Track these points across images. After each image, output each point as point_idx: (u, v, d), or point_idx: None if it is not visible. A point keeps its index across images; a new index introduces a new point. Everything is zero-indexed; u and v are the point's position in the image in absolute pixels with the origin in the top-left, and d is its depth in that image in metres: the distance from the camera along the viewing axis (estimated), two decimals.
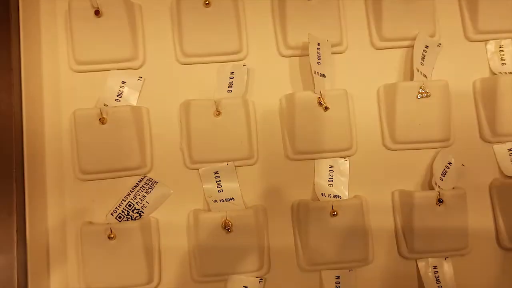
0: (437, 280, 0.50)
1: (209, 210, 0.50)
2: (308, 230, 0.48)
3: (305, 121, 0.50)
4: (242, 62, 0.52)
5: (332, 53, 0.52)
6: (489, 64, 0.54)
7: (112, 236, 0.46)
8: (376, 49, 0.54)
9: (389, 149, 0.52)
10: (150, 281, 0.48)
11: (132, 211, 0.48)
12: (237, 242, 0.48)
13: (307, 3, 0.52)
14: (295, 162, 0.52)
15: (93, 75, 0.51)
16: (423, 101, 0.51)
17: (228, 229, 0.47)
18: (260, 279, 0.48)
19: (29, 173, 0.46)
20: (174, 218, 0.50)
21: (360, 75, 0.53)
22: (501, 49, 0.54)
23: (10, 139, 0.45)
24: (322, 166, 0.51)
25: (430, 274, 0.50)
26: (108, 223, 0.47)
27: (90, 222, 0.48)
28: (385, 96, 0.53)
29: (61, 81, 0.51)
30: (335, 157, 0.51)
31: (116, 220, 0.48)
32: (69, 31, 0.51)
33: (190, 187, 0.50)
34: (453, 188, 0.50)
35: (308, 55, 0.50)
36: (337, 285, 0.49)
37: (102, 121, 0.48)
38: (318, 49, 0.50)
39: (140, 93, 0.51)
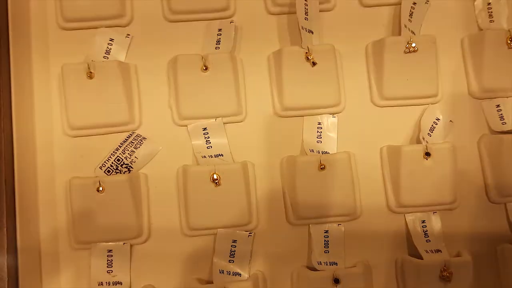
0: (425, 234, 0.50)
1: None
2: (296, 185, 0.48)
3: (293, 76, 0.50)
4: (230, 19, 0.52)
5: (320, 11, 0.52)
6: (477, 21, 0.54)
7: (101, 188, 0.46)
8: (364, 6, 0.54)
9: (377, 105, 0.52)
10: (139, 234, 0.48)
11: (121, 165, 0.49)
12: (226, 196, 0.48)
13: None
14: (283, 119, 0.52)
15: (81, 33, 0.51)
16: (410, 56, 0.51)
17: (216, 182, 0.47)
18: (249, 233, 0.48)
19: (17, 131, 0.47)
20: (163, 174, 0.50)
21: (349, 33, 0.53)
22: (489, 6, 0.54)
23: None
24: (311, 122, 0.52)
25: (418, 228, 0.50)
26: (96, 176, 0.47)
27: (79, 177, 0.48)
28: (373, 53, 0.53)
29: (49, 38, 0.51)
30: (323, 113, 0.52)
31: (105, 174, 0.48)
32: None
33: (179, 143, 0.50)
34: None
35: (296, 13, 0.50)
36: (326, 239, 0.49)
37: (89, 76, 0.48)
38: (306, 4, 0.50)
39: (128, 50, 0.51)
